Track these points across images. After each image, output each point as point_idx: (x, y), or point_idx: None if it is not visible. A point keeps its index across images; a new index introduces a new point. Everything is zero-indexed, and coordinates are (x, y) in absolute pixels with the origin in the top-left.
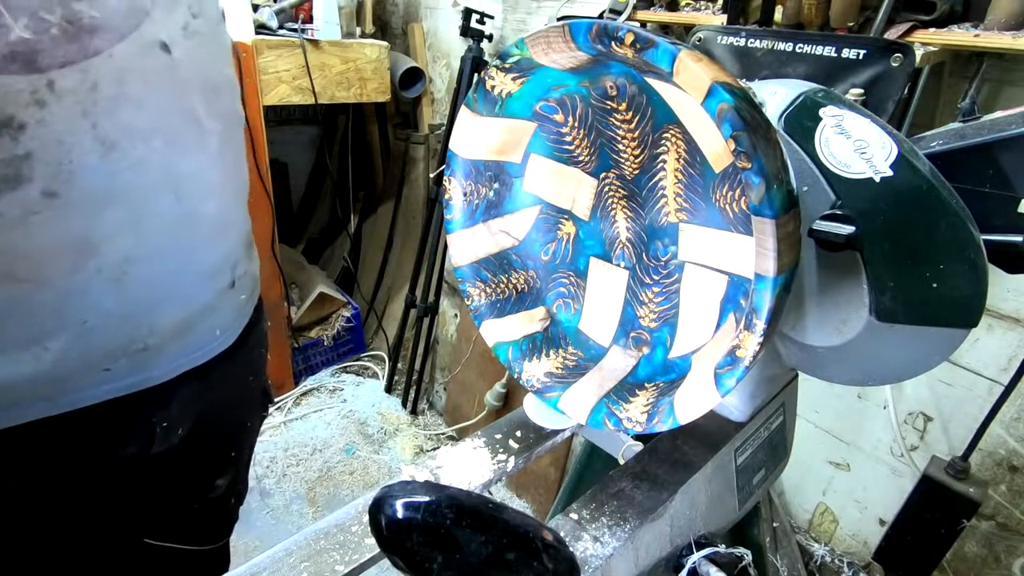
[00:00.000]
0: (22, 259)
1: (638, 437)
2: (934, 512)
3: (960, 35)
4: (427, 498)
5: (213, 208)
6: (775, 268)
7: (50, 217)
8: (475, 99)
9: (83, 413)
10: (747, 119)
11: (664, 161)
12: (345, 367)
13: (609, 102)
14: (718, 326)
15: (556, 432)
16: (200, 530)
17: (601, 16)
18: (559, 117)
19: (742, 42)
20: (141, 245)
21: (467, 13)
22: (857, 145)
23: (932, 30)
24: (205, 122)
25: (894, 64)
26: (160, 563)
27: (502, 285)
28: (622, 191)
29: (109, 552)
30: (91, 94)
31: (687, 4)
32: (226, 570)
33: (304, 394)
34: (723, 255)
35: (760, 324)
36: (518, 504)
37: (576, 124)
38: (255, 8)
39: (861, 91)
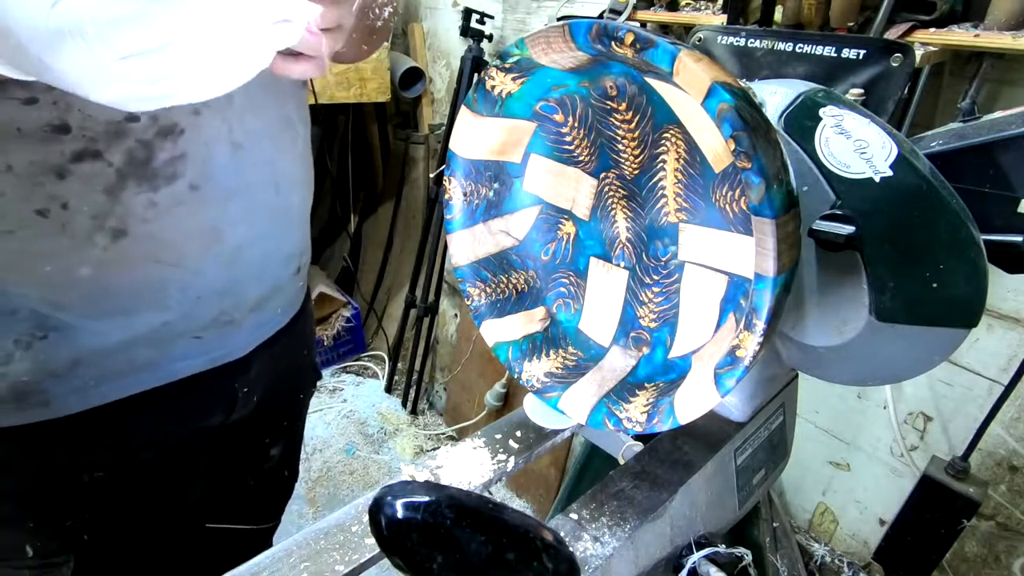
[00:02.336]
0: (167, 245)
1: (638, 437)
2: (934, 512)
3: (960, 35)
4: (427, 498)
5: (298, 199)
6: (775, 268)
7: (191, 208)
8: (475, 99)
9: (178, 385)
10: (747, 119)
11: (664, 161)
12: (345, 367)
13: (609, 102)
14: (718, 326)
15: (556, 432)
16: (256, 507)
17: (601, 16)
18: (559, 117)
19: (742, 42)
20: (250, 232)
21: (467, 13)
22: (857, 145)
23: (932, 30)
24: (296, 126)
25: (894, 64)
26: (216, 548)
27: (502, 285)
28: (622, 191)
29: (174, 538)
30: (228, 103)
31: (687, 4)
32: None
33: None
34: (723, 255)
35: (760, 324)
36: (518, 504)
37: (576, 124)
38: None
39: (861, 91)
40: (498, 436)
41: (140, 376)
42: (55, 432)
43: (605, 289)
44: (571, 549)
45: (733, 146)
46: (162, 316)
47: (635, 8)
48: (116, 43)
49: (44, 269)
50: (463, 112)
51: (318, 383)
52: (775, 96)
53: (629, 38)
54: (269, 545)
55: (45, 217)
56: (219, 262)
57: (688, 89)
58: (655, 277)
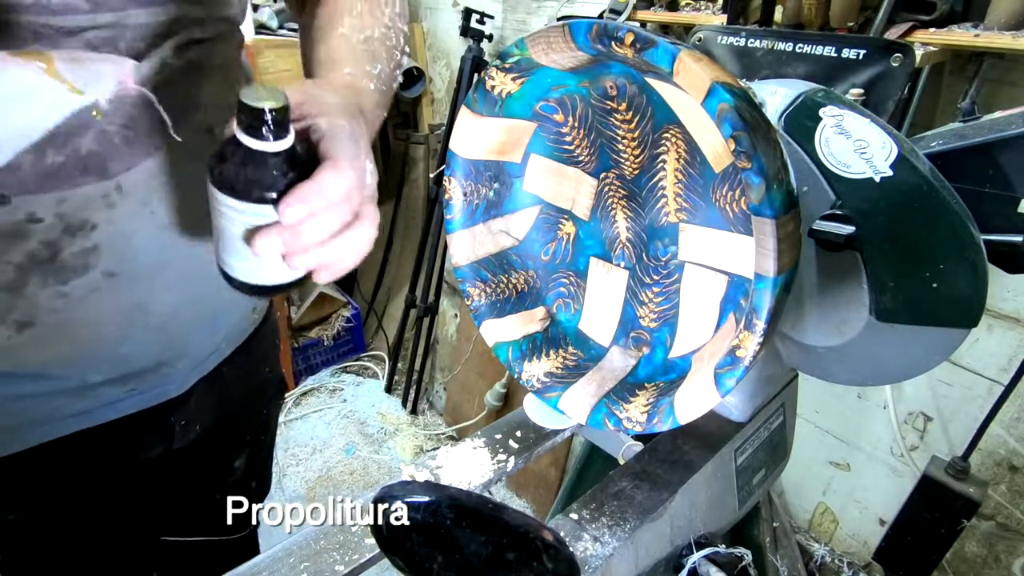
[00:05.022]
0: (82, 327)
1: (638, 437)
2: (934, 512)
3: (960, 35)
4: (427, 498)
5: None
6: (775, 268)
7: (108, 293)
8: (475, 99)
9: (108, 427)
10: (747, 119)
11: (664, 161)
12: (345, 367)
13: (609, 102)
14: (718, 326)
15: (556, 432)
16: (225, 519)
17: (601, 16)
18: (559, 117)
19: (742, 42)
20: (185, 295)
21: (467, 13)
22: (857, 145)
23: (932, 30)
24: None
25: (894, 64)
26: (188, 558)
27: (502, 285)
28: (622, 191)
29: (128, 552)
30: (150, 184)
31: (687, 4)
32: None
33: (304, 394)
34: (723, 255)
35: (760, 324)
36: (518, 504)
37: (576, 124)
38: (255, 8)
39: (861, 91)
40: (498, 436)
41: (64, 423)
42: None
43: (605, 289)
44: (571, 549)
45: (733, 146)
46: (82, 378)
47: (635, 8)
48: None
49: None
50: (463, 112)
51: (320, 383)
52: (775, 96)
53: (629, 38)
54: (255, 549)
55: None
56: (148, 330)
57: (688, 89)
58: (655, 277)
